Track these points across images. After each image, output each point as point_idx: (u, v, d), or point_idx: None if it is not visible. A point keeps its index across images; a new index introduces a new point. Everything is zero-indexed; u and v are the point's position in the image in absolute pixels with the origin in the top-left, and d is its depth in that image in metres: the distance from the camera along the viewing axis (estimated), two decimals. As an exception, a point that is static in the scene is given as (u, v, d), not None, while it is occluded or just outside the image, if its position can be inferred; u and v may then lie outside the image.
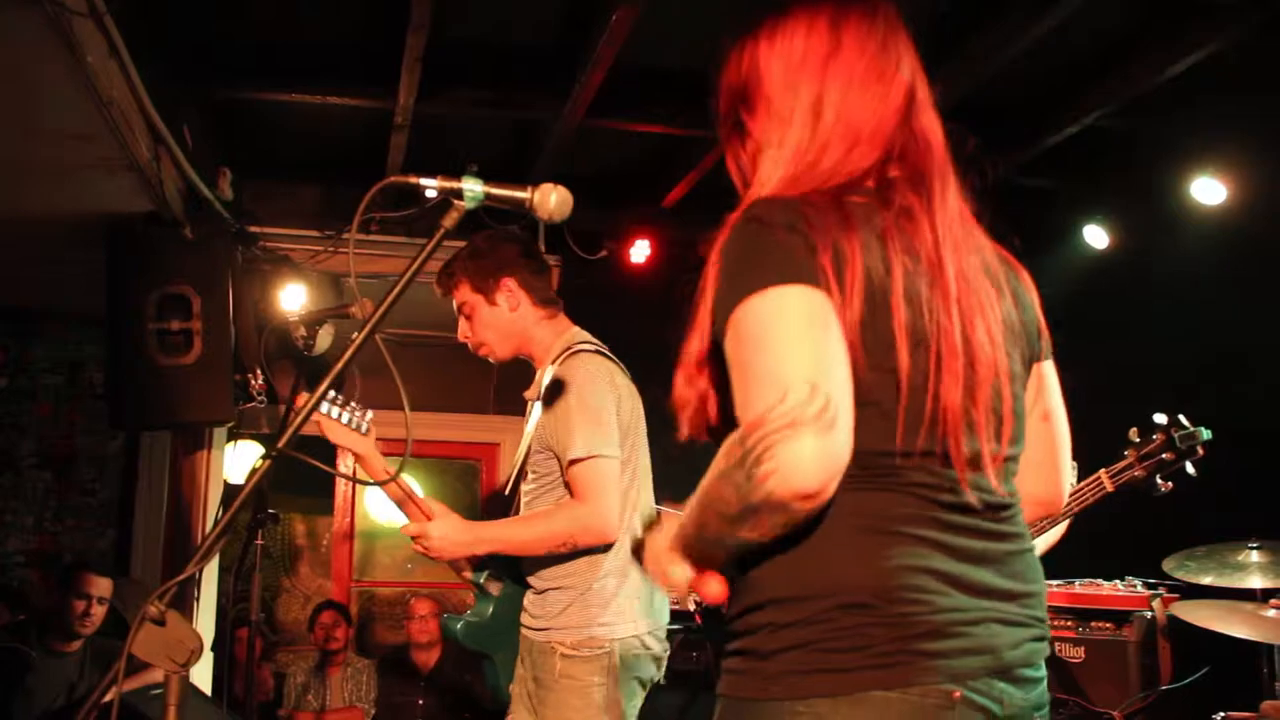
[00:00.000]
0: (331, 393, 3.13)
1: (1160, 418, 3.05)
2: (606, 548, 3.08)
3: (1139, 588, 4.48)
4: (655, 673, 3.17)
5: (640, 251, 6.35)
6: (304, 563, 9.55)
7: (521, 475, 3.31)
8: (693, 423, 1.67)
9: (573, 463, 3.02)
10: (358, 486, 7.93)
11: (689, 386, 1.65)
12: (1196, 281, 5.00)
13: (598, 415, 3.05)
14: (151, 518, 6.77)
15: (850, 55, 1.66)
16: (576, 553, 3.08)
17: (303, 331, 4.08)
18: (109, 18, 3.66)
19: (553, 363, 3.23)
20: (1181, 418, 3.04)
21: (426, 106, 4.99)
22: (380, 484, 3.25)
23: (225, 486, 6.61)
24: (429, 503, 3.13)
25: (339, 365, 2.04)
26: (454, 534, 3.08)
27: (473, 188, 2.07)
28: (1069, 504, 3.11)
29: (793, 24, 1.69)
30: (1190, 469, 3.03)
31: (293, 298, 5.66)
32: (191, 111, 5.13)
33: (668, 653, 3.22)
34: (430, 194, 2.08)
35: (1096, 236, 5.70)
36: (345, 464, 9.22)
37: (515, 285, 3.30)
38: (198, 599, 6.09)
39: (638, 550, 1.79)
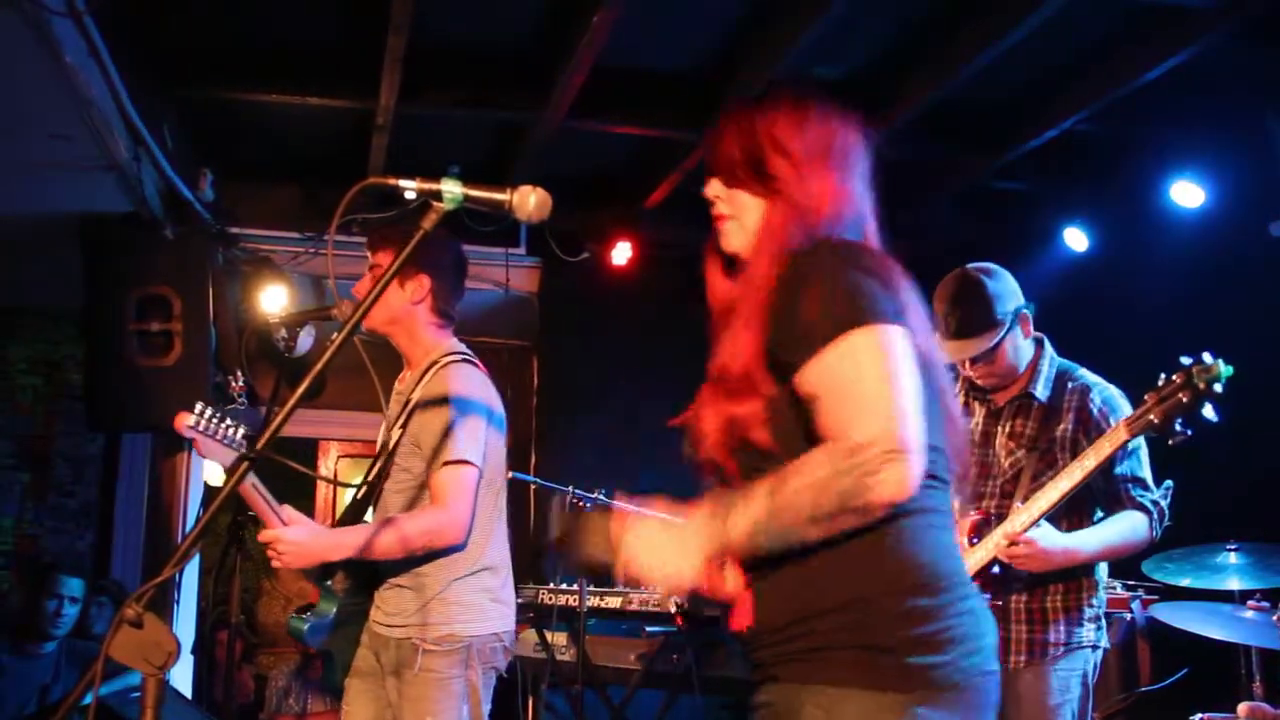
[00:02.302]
0: (209, 410, 3.13)
1: (1185, 358, 2.89)
2: (465, 554, 3.21)
3: (1118, 589, 4.49)
4: (505, 663, 3.32)
5: (622, 253, 6.36)
6: (285, 565, 9.49)
7: (383, 475, 3.35)
8: (723, 443, 1.85)
9: (445, 464, 3.15)
10: (338, 489, 7.92)
11: (733, 402, 1.83)
12: (1175, 284, 5.03)
13: (475, 425, 3.21)
14: (131, 520, 6.73)
15: (853, 149, 2.02)
16: (433, 558, 3.20)
17: (283, 333, 4.07)
18: (88, 18, 3.64)
19: (433, 365, 3.32)
20: (1206, 355, 2.87)
21: (407, 108, 4.99)
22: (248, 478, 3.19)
23: (205, 488, 6.59)
24: (285, 510, 3.13)
25: (318, 366, 2.04)
26: (308, 541, 3.10)
27: (452, 189, 2.08)
28: (1096, 467, 3.03)
29: (816, 113, 2.00)
30: (1210, 413, 2.86)
31: (273, 299, 5.64)
32: (171, 112, 5.12)
33: (514, 648, 3.39)
34: (410, 195, 2.08)
35: (1076, 239, 5.72)
36: (326, 466, 9.23)
37: (429, 285, 3.38)
38: (177, 601, 6.07)
39: (577, 542, 1.89)
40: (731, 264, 2.05)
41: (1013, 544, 3.09)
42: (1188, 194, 5.07)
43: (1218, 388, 2.84)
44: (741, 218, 2.01)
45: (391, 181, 2.08)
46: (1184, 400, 2.87)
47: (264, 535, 3.10)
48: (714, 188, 2.04)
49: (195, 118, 5.35)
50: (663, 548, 1.80)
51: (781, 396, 1.80)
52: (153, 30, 4.58)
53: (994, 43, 4.33)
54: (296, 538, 3.08)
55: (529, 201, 2.13)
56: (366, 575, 3.33)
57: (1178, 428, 2.90)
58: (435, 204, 2.09)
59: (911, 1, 4.46)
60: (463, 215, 2.39)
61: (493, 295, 6.60)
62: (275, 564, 3.13)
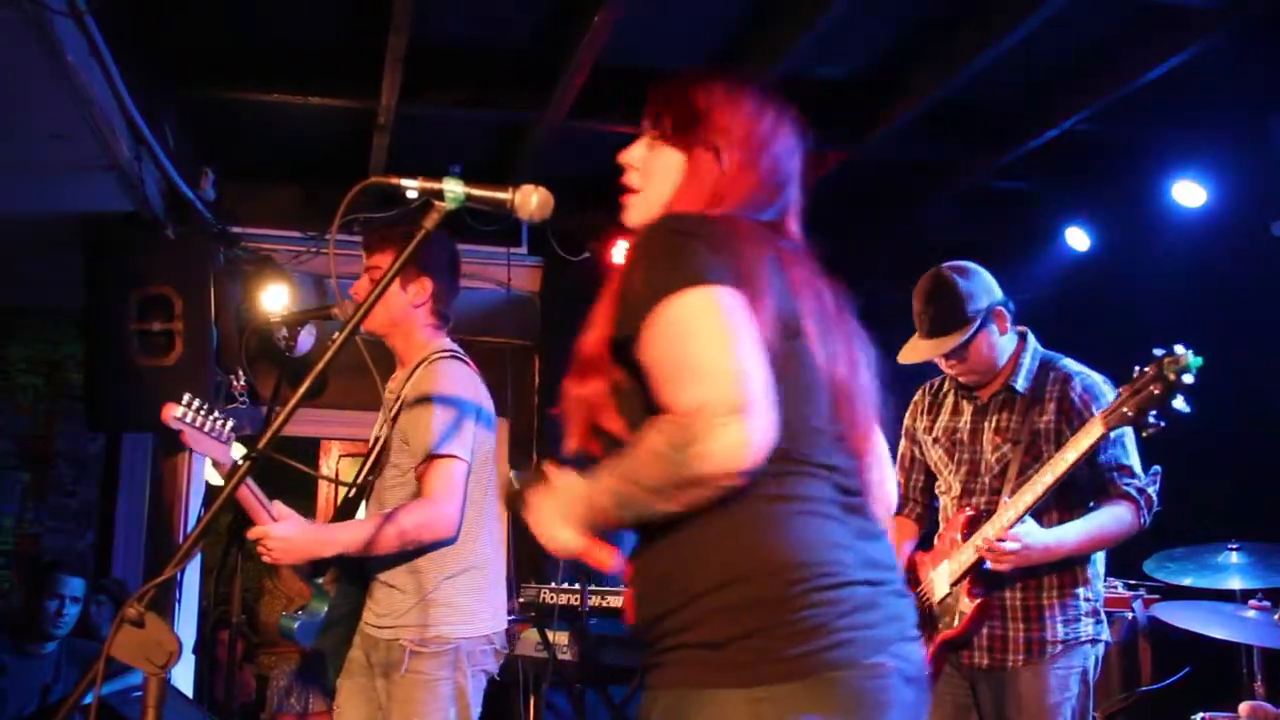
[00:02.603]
0: (196, 402, 3.12)
1: (1158, 350, 2.89)
2: (455, 552, 3.19)
3: (1119, 589, 4.49)
4: (496, 666, 3.30)
5: (622, 252, 6.35)
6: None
7: (375, 472, 3.34)
8: (582, 427, 1.80)
9: (429, 458, 3.13)
10: (339, 488, 7.90)
11: (582, 385, 1.78)
12: (1177, 283, 5.03)
13: (460, 419, 3.18)
14: (132, 520, 6.73)
15: (782, 139, 1.95)
16: (423, 555, 3.18)
17: (284, 332, 4.08)
18: (89, 17, 3.64)
19: (422, 362, 3.31)
20: (1178, 346, 2.87)
21: (408, 107, 4.99)
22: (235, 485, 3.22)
23: (207, 488, 6.58)
24: (276, 506, 3.11)
25: (319, 366, 2.04)
26: (298, 537, 3.08)
27: (454, 189, 2.08)
28: (1076, 461, 3.04)
29: (750, 97, 1.95)
30: (1182, 404, 2.85)
31: (275, 299, 5.64)
32: (172, 112, 5.12)
33: (506, 650, 3.36)
34: (411, 195, 2.08)
35: (1077, 239, 5.72)
36: (328, 465, 9.22)
37: (429, 287, 3.36)
38: (179, 601, 6.07)
39: (515, 502, 1.82)
40: None
41: (998, 540, 3.11)
42: (1189, 194, 5.06)
43: (1187, 379, 2.84)
44: (649, 190, 1.96)
45: (394, 181, 2.08)
46: (1155, 392, 2.87)
47: (253, 532, 3.09)
48: (635, 152, 2.01)
49: (196, 117, 5.35)
50: (548, 512, 1.75)
51: (626, 379, 1.74)
52: (154, 30, 4.58)
53: (994, 43, 4.32)
54: (285, 533, 3.06)
55: (531, 201, 2.14)
56: (357, 573, 3.32)
57: (1151, 419, 2.90)
58: (437, 203, 2.09)
59: (911, 1, 4.46)
60: (465, 215, 2.40)
61: (495, 295, 6.59)
62: (266, 560, 3.10)
